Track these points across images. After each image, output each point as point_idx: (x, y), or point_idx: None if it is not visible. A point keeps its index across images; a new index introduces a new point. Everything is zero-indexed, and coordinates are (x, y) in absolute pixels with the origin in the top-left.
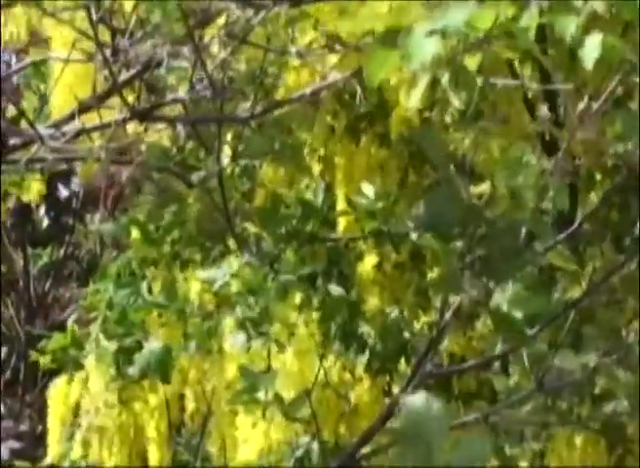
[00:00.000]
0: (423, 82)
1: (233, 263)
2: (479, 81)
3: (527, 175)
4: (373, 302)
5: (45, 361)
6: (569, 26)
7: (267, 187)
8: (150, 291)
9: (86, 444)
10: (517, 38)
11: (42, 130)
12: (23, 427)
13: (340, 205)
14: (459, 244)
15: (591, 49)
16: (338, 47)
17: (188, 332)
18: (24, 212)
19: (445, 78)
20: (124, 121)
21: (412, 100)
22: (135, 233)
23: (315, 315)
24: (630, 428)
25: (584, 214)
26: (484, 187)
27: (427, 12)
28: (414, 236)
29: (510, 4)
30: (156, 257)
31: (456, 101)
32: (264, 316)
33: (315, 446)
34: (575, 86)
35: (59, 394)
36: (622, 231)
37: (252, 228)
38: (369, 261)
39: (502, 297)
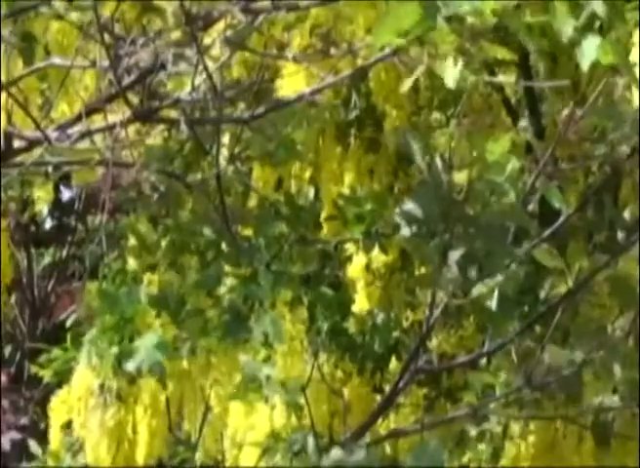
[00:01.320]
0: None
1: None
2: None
3: (509, 170)
4: (363, 302)
5: (46, 374)
6: (567, 27)
7: (259, 191)
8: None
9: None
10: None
11: (48, 132)
12: (24, 420)
13: (330, 208)
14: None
15: (588, 51)
16: (333, 51)
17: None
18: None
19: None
20: (128, 122)
21: (404, 86)
22: (132, 240)
23: (306, 314)
24: (618, 423)
25: (568, 213)
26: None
27: None
28: (404, 231)
29: None
30: (152, 263)
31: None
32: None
33: (310, 441)
34: (559, 91)
35: (60, 405)
36: (598, 229)
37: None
38: (359, 262)
39: (487, 293)
